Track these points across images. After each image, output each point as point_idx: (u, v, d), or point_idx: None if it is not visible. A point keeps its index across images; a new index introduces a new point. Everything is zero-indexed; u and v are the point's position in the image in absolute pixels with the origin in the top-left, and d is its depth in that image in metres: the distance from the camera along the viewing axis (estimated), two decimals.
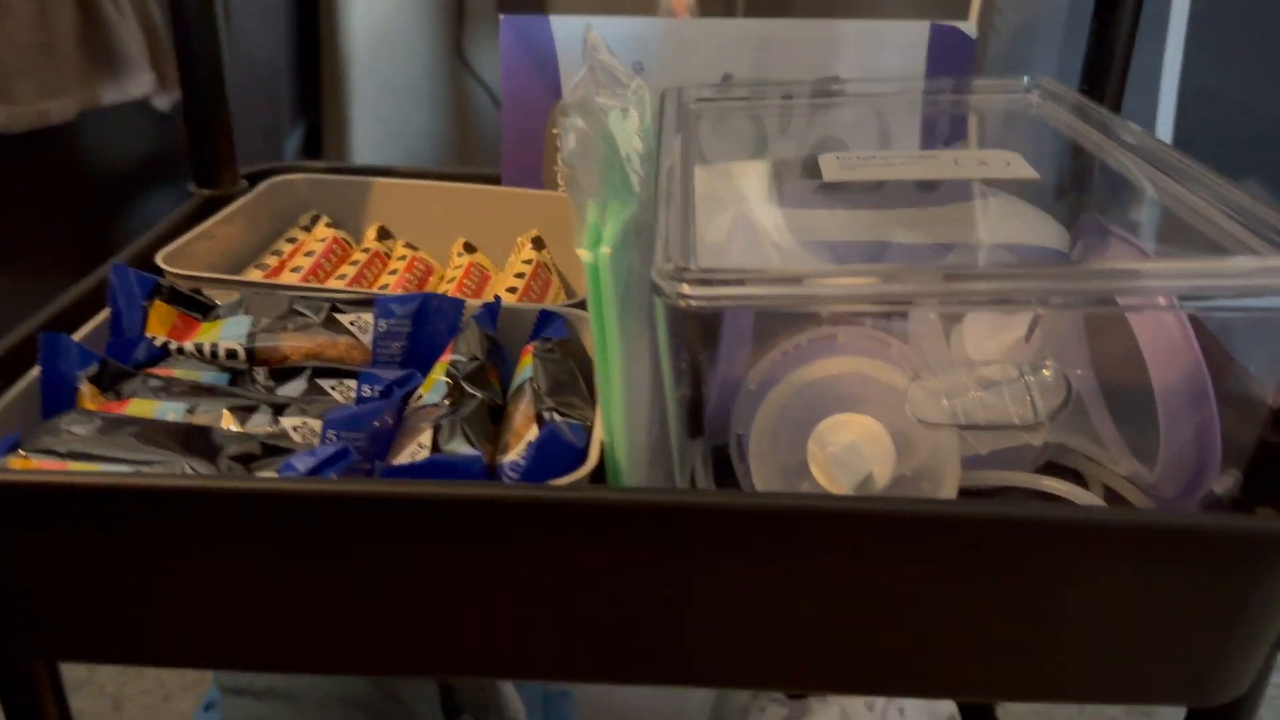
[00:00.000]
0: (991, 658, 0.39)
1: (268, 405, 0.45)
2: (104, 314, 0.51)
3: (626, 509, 0.38)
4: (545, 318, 0.52)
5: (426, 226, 0.65)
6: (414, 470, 0.41)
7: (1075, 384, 0.42)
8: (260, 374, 0.48)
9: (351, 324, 0.50)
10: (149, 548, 0.39)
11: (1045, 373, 0.43)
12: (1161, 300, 0.37)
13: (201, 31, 0.65)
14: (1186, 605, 0.38)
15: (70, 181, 1.14)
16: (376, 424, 0.44)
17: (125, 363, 0.48)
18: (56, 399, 0.46)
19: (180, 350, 0.50)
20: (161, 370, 0.48)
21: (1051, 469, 0.47)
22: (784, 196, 0.53)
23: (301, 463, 0.40)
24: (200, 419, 0.44)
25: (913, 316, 0.47)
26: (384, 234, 0.65)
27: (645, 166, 0.48)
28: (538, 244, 0.63)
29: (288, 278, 0.58)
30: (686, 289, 0.37)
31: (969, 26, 0.64)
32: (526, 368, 0.48)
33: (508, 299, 0.56)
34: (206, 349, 0.49)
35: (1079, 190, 0.49)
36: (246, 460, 0.42)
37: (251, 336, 0.50)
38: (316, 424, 0.45)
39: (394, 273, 0.61)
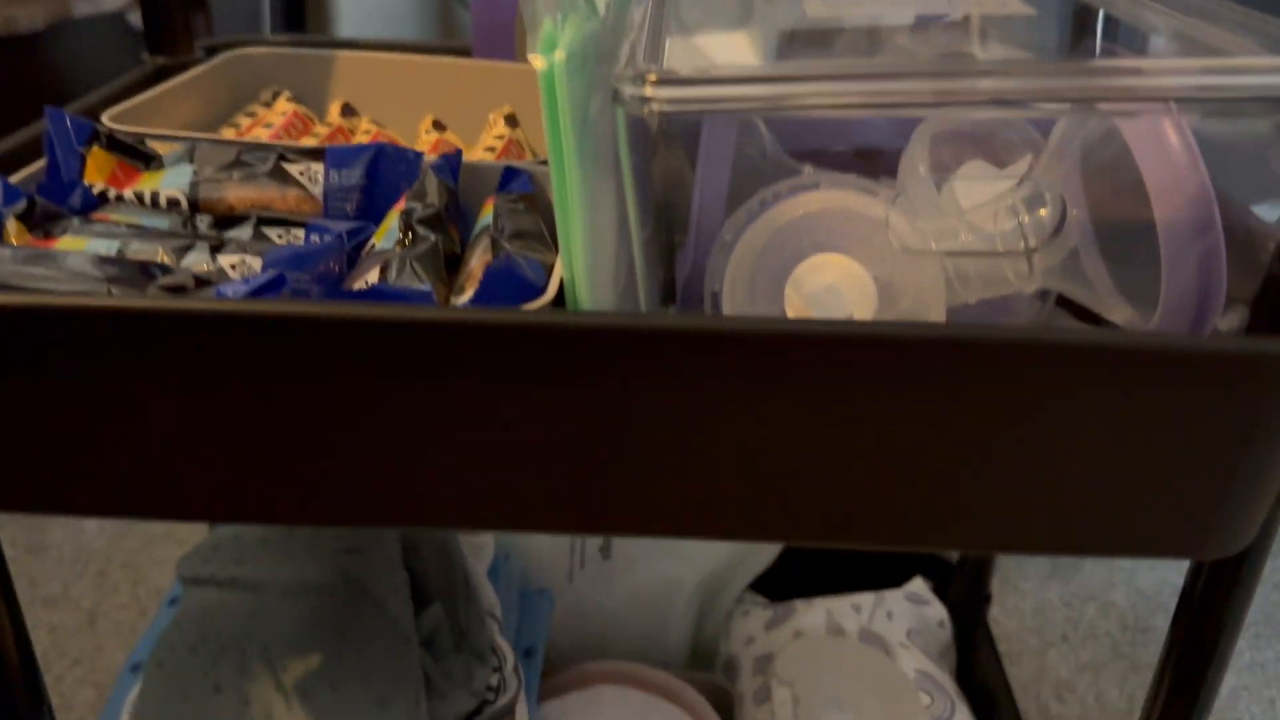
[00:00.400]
0: (984, 502, 0.36)
1: (205, 244, 0.42)
2: (40, 162, 0.48)
3: (584, 333, 0.35)
4: (510, 174, 0.48)
5: (394, 103, 0.62)
6: (356, 296, 0.38)
7: (1071, 221, 0.39)
8: (204, 223, 0.45)
9: (301, 174, 0.47)
10: (76, 378, 0.36)
11: (1041, 212, 0.41)
12: (1169, 104, 0.34)
13: None
14: (1188, 443, 0.35)
15: (35, 94, 1.10)
16: (322, 267, 0.41)
17: (60, 206, 0.45)
18: None
19: (120, 198, 0.46)
20: (97, 215, 0.45)
21: None
22: (765, 49, 0.50)
23: (233, 289, 0.37)
24: (133, 256, 0.41)
25: (902, 168, 0.43)
26: (348, 110, 0.62)
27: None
28: (511, 121, 0.60)
29: None
30: (650, 90, 0.34)
31: None
32: (487, 216, 0.45)
33: None
34: (147, 197, 0.46)
35: (1080, 30, 0.46)
36: (178, 291, 0.39)
37: (195, 186, 0.46)
38: (257, 262, 0.42)
39: None
